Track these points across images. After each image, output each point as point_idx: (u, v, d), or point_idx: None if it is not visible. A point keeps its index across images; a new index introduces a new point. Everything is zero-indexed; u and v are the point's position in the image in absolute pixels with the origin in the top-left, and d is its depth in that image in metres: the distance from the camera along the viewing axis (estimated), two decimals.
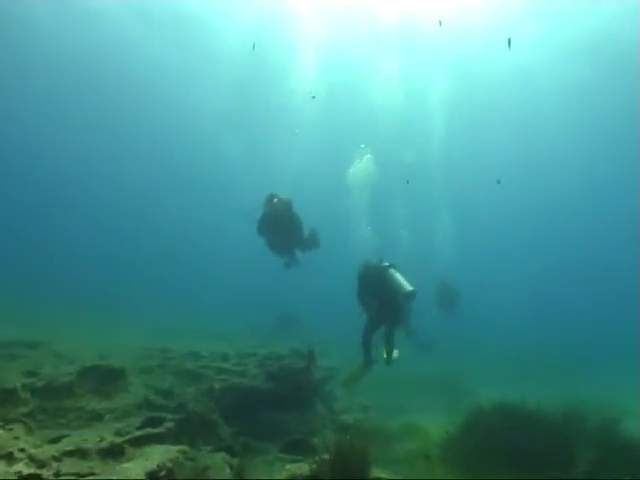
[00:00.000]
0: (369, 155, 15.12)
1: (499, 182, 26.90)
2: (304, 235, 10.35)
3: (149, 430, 4.85)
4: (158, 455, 3.81)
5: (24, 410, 5.72)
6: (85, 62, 26.69)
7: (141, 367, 8.31)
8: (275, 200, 9.74)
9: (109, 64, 27.11)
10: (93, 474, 3.54)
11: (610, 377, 14.25)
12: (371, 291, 8.83)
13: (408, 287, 8.39)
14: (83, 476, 3.58)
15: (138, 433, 4.68)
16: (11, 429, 4.83)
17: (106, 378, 6.69)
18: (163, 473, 3.61)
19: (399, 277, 8.57)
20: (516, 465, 6.11)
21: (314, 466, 4.97)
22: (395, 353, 9.08)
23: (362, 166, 15.16)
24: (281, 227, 9.82)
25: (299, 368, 8.49)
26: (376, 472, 4.87)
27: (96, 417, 5.79)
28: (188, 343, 10.68)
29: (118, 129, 35.07)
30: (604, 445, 6.50)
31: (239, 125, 32.41)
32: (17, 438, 4.54)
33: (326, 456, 4.89)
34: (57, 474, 3.57)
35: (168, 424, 5.19)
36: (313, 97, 10.72)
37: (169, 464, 3.70)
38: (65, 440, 4.31)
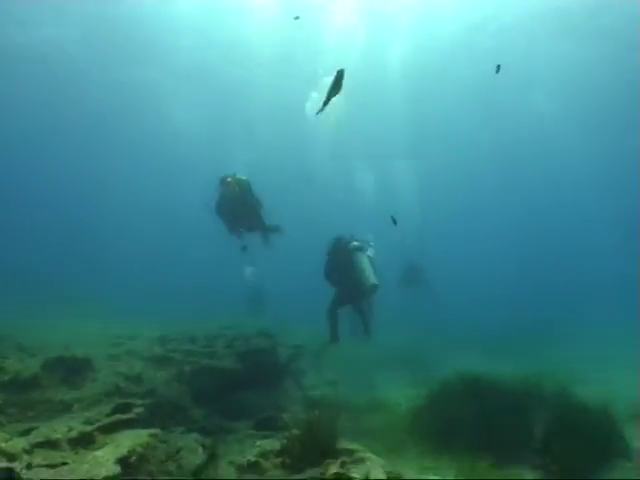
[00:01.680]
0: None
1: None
2: (264, 218, 10.17)
3: (119, 417, 4.89)
4: (129, 441, 3.88)
5: None
6: None
7: (108, 355, 8.26)
8: (229, 180, 9.48)
9: None
10: (65, 464, 3.57)
11: (578, 352, 14.80)
12: (338, 271, 8.84)
13: (372, 280, 8.39)
14: (55, 466, 3.59)
15: (108, 420, 4.71)
16: None
17: (73, 368, 6.66)
18: (134, 458, 3.68)
19: (365, 265, 8.54)
20: (477, 431, 6.43)
21: (284, 441, 5.14)
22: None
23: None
24: (238, 209, 9.59)
25: (267, 347, 8.61)
26: (344, 444, 5.06)
27: (65, 408, 5.78)
28: (155, 329, 10.65)
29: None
30: (558, 409, 6.88)
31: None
32: None
33: (296, 431, 5.06)
34: (29, 466, 3.58)
35: (138, 409, 5.24)
36: (297, 18, 10.14)
37: (140, 449, 3.78)
38: (35, 432, 4.32)
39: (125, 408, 5.26)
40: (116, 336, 10.13)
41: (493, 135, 31.82)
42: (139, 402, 5.61)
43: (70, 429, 4.21)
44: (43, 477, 3.45)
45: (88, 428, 4.30)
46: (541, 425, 6.54)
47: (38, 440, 4.11)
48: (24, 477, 3.34)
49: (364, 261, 8.57)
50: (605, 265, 42.68)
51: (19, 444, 3.93)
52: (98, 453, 3.60)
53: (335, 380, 10.44)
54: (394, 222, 6.39)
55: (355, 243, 8.80)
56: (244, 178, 9.74)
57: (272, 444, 5.38)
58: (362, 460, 4.66)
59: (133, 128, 32.68)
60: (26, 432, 4.45)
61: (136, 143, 34.84)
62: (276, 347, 8.93)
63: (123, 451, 3.56)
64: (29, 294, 18.37)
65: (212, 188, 9.65)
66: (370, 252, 8.97)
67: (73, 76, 25.69)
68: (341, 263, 8.71)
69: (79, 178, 42.06)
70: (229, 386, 7.70)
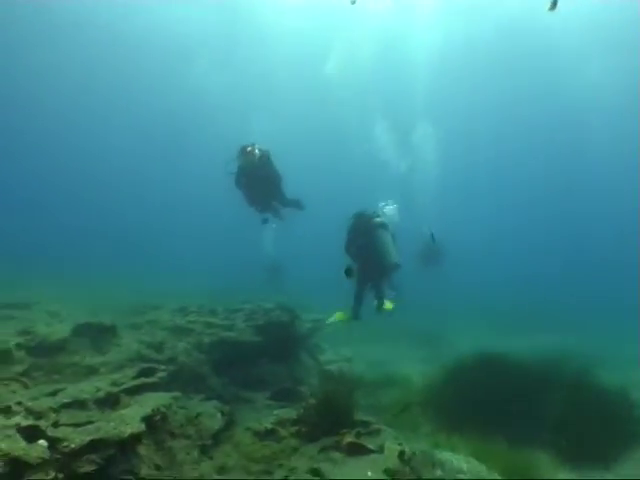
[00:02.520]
0: None
1: None
2: (284, 191, 9.96)
3: (143, 380, 5.08)
4: (152, 402, 4.04)
5: (19, 369, 5.85)
6: None
7: (132, 323, 8.50)
8: (249, 149, 9.19)
9: None
10: (91, 422, 3.73)
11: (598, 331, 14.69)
12: (358, 246, 8.63)
13: (393, 259, 8.27)
14: (81, 425, 3.74)
15: (132, 383, 4.90)
16: (7, 384, 5.02)
17: (98, 334, 6.87)
18: (158, 418, 3.84)
19: (388, 243, 8.37)
20: (493, 408, 6.50)
21: (301, 410, 5.27)
22: (388, 304, 8.86)
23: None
24: (258, 180, 9.33)
25: (285, 321, 8.72)
26: (360, 416, 5.18)
27: (91, 371, 5.98)
28: (177, 300, 10.86)
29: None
30: (576, 389, 6.89)
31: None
32: (14, 392, 4.74)
33: (312, 401, 5.19)
34: (55, 424, 3.73)
35: (161, 374, 5.43)
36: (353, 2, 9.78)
37: (163, 409, 3.94)
38: (62, 393, 4.50)
39: (149, 372, 5.45)
40: (138, 306, 10.36)
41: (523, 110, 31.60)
42: (162, 367, 5.80)
43: (97, 390, 4.39)
44: (69, 435, 3.61)
45: (114, 389, 4.48)
46: (557, 405, 6.58)
47: (65, 400, 4.29)
48: (50, 435, 3.47)
49: (387, 239, 8.41)
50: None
51: (46, 403, 4.11)
52: (124, 412, 3.77)
53: (351, 356, 10.58)
54: (433, 240, 6.25)
55: (378, 219, 8.61)
56: (264, 148, 9.44)
57: (289, 413, 5.53)
58: (377, 432, 4.79)
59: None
60: (53, 393, 4.64)
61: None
62: (294, 321, 9.02)
63: (147, 410, 3.72)
64: (58, 266, 18.79)
65: (231, 158, 9.34)
66: (393, 209, 8.90)
67: None
68: (362, 238, 8.52)
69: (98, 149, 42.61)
70: (247, 358, 7.86)
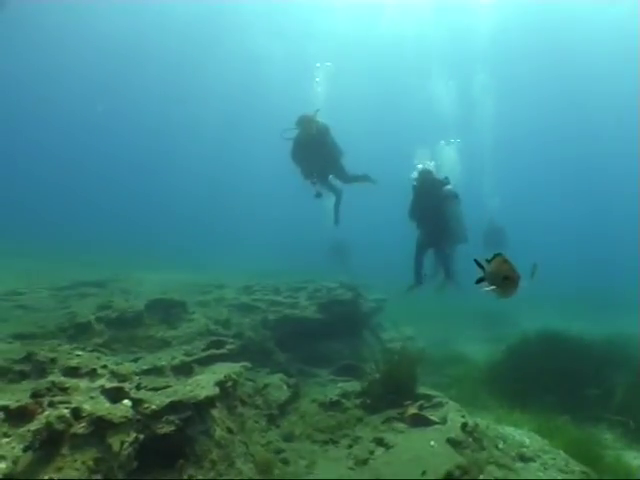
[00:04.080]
0: None
1: None
2: (345, 167, 9.66)
3: (213, 351, 5.35)
4: (224, 370, 4.26)
5: (99, 340, 6.27)
6: None
7: (199, 301, 8.86)
8: (308, 119, 8.93)
9: None
10: (169, 387, 3.96)
11: None
12: (425, 214, 8.32)
13: (464, 237, 8.30)
14: (160, 389, 3.99)
15: (204, 354, 5.17)
16: (91, 352, 5.39)
17: (170, 310, 7.24)
18: (229, 384, 4.05)
19: (460, 217, 8.32)
20: (556, 387, 6.38)
21: (365, 384, 5.39)
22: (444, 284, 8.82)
23: None
24: (314, 152, 9.01)
25: (348, 299, 8.81)
26: (423, 390, 5.24)
27: (165, 343, 6.34)
28: (241, 280, 11.18)
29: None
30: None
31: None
32: (99, 358, 5.09)
33: (376, 374, 5.29)
34: (138, 387, 3.99)
35: (230, 346, 5.69)
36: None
37: (234, 376, 4.14)
38: (141, 360, 4.82)
39: (218, 345, 5.71)
40: (205, 285, 10.76)
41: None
42: (230, 341, 6.06)
43: (173, 358, 4.67)
44: (150, 398, 3.85)
45: (188, 359, 4.74)
46: (622, 385, 6.39)
47: (145, 367, 4.59)
48: (134, 396, 3.70)
49: (459, 212, 8.34)
50: None
51: (129, 368, 4.40)
52: (198, 377, 3.99)
53: (414, 335, 10.58)
54: (533, 272, 6.08)
55: (449, 187, 8.32)
56: (322, 122, 9.13)
57: (353, 386, 5.67)
58: (440, 404, 4.83)
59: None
60: (134, 360, 4.96)
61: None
62: (357, 299, 9.10)
63: (220, 377, 3.92)
64: (130, 249, 19.73)
65: (289, 128, 9.12)
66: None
67: None
68: (429, 207, 8.24)
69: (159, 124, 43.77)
70: (311, 335, 8.03)
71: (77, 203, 40.37)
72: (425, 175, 8.40)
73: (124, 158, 48.49)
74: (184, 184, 47.49)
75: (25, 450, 2.78)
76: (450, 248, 8.72)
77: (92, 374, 4.19)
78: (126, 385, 3.85)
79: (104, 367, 4.27)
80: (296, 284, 9.87)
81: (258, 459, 3.98)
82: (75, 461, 2.87)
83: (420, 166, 8.59)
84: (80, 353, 4.42)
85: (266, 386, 5.51)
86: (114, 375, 4.20)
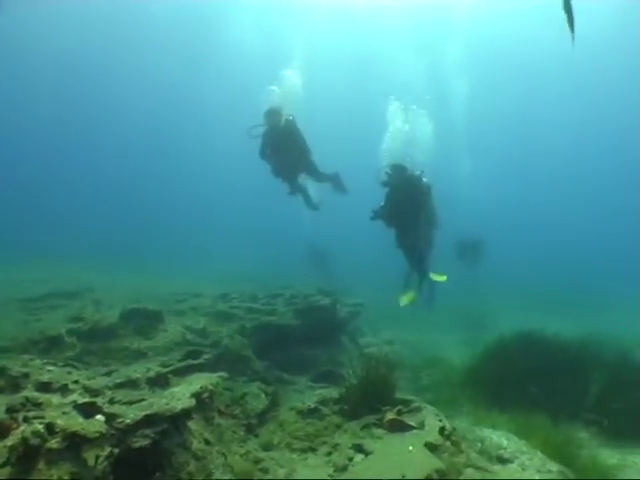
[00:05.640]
0: None
1: None
2: (316, 165, 9.26)
3: (190, 361, 5.29)
4: (200, 381, 4.20)
5: (70, 354, 6.13)
6: None
7: (175, 310, 8.76)
8: (274, 113, 8.57)
9: None
10: (144, 400, 3.90)
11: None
12: (400, 213, 8.03)
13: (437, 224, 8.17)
14: (135, 402, 3.92)
15: (180, 364, 5.11)
16: (62, 367, 5.27)
17: (145, 320, 7.12)
18: (206, 395, 4.00)
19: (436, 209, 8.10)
20: (533, 387, 6.46)
21: (343, 390, 5.38)
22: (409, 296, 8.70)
23: None
24: (285, 146, 8.64)
25: (325, 305, 8.80)
26: (401, 395, 5.25)
27: (140, 355, 6.24)
28: (217, 287, 11.09)
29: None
30: (617, 370, 6.79)
31: None
32: (70, 373, 4.99)
33: (354, 380, 5.29)
34: (111, 401, 3.92)
35: (206, 356, 5.63)
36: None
37: (211, 387, 4.10)
38: (115, 373, 4.73)
39: (195, 355, 5.65)
40: (180, 293, 10.65)
41: None
42: (207, 350, 6.00)
43: (148, 369, 4.60)
44: (124, 411, 3.79)
45: (163, 370, 4.67)
46: (597, 384, 6.50)
47: (118, 380, 4.50)
48: (106, 411, 3.64)
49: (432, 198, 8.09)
50: None
51: (102, 382, 4.32)
52: (174, 389, 3.94)
53: (392, 339, 10.63)
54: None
55: (426, 180, 8.09)
56: (290, 115, 8.77)
57: (331, 393, 5.66)
58: (418, 409, 4.84)
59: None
60: (107, 374, 4.87)
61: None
62: (335, 305, 9.09)
63: (196, 388, 3.87)
64: (102, 258, 19.40)
65: (256, 125, 8.69)
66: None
67: None
68: (406, 203, 7.95)
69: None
70: (289, 342, 8.00)
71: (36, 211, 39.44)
72: (399, 171, 8.10)
73: (101, 163, 47.95)
74: (160, 193, 47.21)
75: (2, 466, 2.83)
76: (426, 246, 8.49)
77: (64, 389, 4.12)
78: (99, 400, 3.78)
79: (75, 382, 4.20)
80: (273, 290, 9.83)
81: (237, 469, 3.94)
82: (52, 476, 2.88)
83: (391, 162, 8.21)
84: (51, 368, 4.32)
85: (244, 395, 5.46)
86: (86, 390, 4.13)
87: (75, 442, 3.13)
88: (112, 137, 45.02)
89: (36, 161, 44.98)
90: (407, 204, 7.97)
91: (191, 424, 3.76)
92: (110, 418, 3.42)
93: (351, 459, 4.07)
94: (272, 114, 8.59)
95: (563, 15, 4.16)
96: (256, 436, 4.91)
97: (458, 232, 17.35)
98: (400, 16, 27.89)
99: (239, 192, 44.38)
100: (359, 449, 4.19)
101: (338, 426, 4.88)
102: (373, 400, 4.98)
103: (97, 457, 3.10)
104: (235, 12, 28.75)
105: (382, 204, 8.18)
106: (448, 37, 28.84)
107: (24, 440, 2.93)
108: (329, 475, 3.93)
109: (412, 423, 4.46)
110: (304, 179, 9.44)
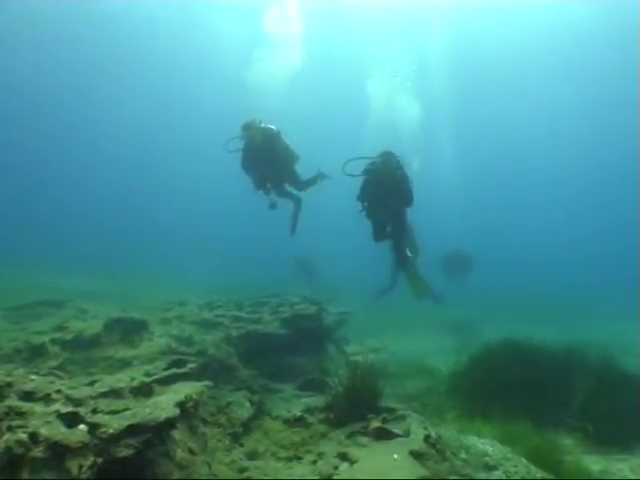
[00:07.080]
0: None
1: None
2: (298, 172, 9.19)
3: (175, 370, 5.25)
4: (185, 389, 4.19)
5: (54, 363, 6.08)
6: None
7: (160, 319, 8.71)
8: (250, 127, 8.40)
9: None
10: (127, 409, 3.87)
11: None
12: (384, 200, 7.80)
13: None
14: (118, 412, 3.89)
15: (165, 373, 5.07)
16: (45, 376, 5.21)
17: (130, 329, 7.07)
18: (190, 404, 3.98)
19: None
20: (518, 394, 6.51)
21: (329, 398, 5.38)
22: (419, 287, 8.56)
23: None
24: (264, 160, 8.51)
25: (311, 314, 8.80)
26: (386, 403, 5.26)
27: (124, 364, 6.18)
28: (203, 296, 11.05)
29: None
30: (602, 378, 6.86)
31: None
32: (53, 382, 4.93)
33: (340, 388, 5.29)
34: (94, 411, 3.89)
35: (191, 365, 5.59)
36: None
37: (195, 396, 4.08)
38: (99, 383, 4.68)
39: (180, 363, 5.62)
40: (166, 302, 10.58)
41: None
42: (192, 359, 5.97)
43: (133, 379, 4.56)
44: (107, 421, 3.76)
45: (148, 379, 4.64)
46: (581, 391, 6.57)
47: (102, 390, 4.45)
48: (89, 421, 3.61)
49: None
50: None
51: (85, 391, 4.28)
52: (158, 398, 3.92)
53: (378, 347, 10.65)
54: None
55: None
56: (272, 127, 8.62)
57: (317, 401, 5.65)
58: (403, 417, 4.86)
59: None
60: (90, 383, 4.82)
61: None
62: (320, 313, 9.09)
63: (180, 397, 3.85)
64: (85, 267, 19.25)
65: (234, 137, 8.56)
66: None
67: None
68: (392, 192, 7.75)
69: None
70: (275, 350, 7.99)
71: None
72: (389, 158, 7.85)
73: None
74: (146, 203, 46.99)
75: None
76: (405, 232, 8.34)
77: (46, 399, 4.08)
78: (81, 409, 3.76)
79: (58, 392, 4.15)
80: (259, 299, 9.82)
81: (221, 478, 3.92)
82: None
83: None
84: (34, 377, 4.27)
85: (229, 404, 5.44)
86: (69, 399, 4.09)
87: (58, 452, 3.14)
88: (99, 147, 44.68)
89: (19, 171, 44.49)
90: (392, 192, 7.79)
91: (175, 433, 3.74)
92: (93, 428, 3.40)
93: (336, 468, 4.06)
94: (248, 128, 8.44)
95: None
96: (241, 445, 4.88)
97: (445, 245, 17.42)
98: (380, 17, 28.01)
99: (227, 200, 44.11)
100: (344, 457, 4.18)
101: (324, 434, 4.88)
102: (359, 408, 4.99)
103: (80, 467, 3.11)
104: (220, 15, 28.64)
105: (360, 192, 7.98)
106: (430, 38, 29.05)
107: (8, 449, 2.95)
108: None
109: (397, 431, 4.48)
110: (289, 187, 9.43)
